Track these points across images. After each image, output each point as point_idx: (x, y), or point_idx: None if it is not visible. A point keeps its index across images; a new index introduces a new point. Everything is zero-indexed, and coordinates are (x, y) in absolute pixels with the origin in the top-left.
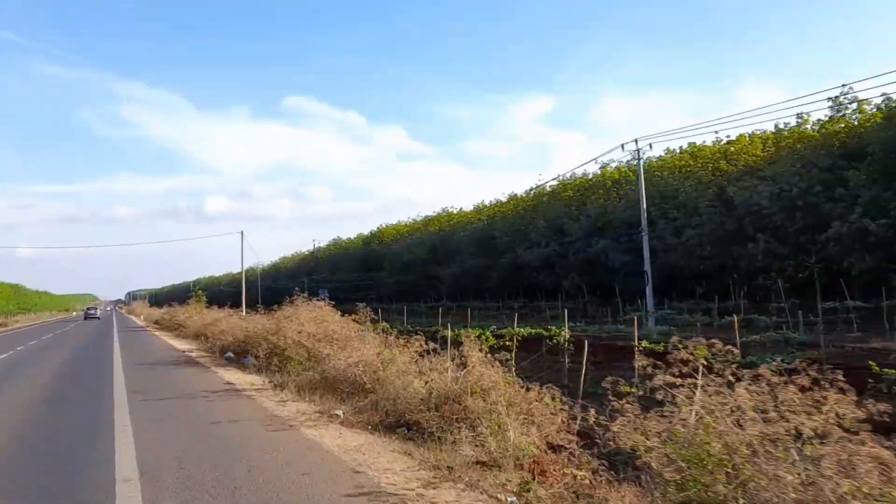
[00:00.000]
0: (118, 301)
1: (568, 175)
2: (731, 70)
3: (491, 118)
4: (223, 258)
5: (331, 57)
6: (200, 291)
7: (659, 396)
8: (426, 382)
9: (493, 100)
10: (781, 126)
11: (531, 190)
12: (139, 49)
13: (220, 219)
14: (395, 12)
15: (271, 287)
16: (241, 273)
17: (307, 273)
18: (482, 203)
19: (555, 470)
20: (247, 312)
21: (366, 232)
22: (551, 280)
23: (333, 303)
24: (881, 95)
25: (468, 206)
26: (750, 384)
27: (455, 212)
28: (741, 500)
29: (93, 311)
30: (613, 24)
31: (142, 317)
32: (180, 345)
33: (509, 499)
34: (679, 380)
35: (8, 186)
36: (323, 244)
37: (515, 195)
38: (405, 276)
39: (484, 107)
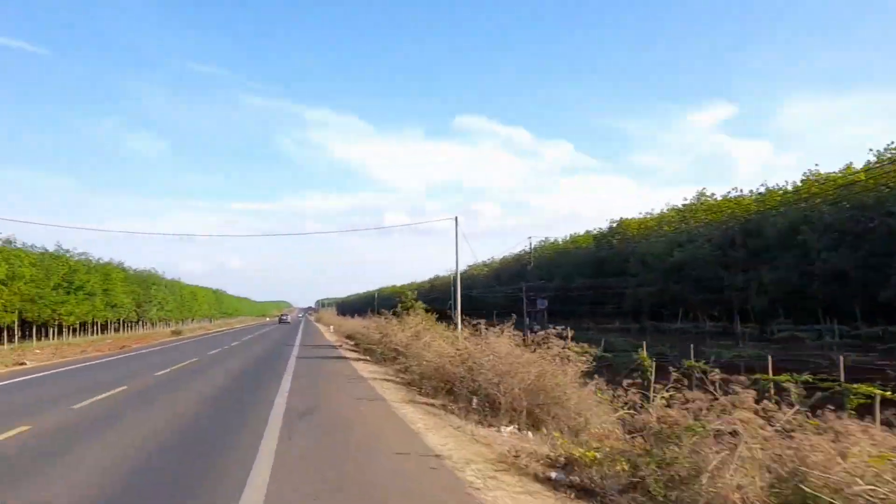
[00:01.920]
0: (308, 308)
1: None
2: None
3: (662, 128)
4: (402, 269)
5: (498, 76)
6: (411, 294)
7: None
8: None
9: (663, 109)
10: None
11: None
12: (327, 78)
13: (396, 233)
14: (559, 31)
15: (466, 296)
16: (448, 275)
17: (512, 279)
18: (813, 172)
19: None
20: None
21: (580, 232)
22: None
23: None
24: None
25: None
26: None
27: (753, 193)
28: None
29: (285, 317)
30: (794, 21)
31: (331, 327)
32: (440, 440)
33: None
34: None
35: (219, 204)
36: (530, 245)
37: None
38: (670, 284)
39: (654, 117)
